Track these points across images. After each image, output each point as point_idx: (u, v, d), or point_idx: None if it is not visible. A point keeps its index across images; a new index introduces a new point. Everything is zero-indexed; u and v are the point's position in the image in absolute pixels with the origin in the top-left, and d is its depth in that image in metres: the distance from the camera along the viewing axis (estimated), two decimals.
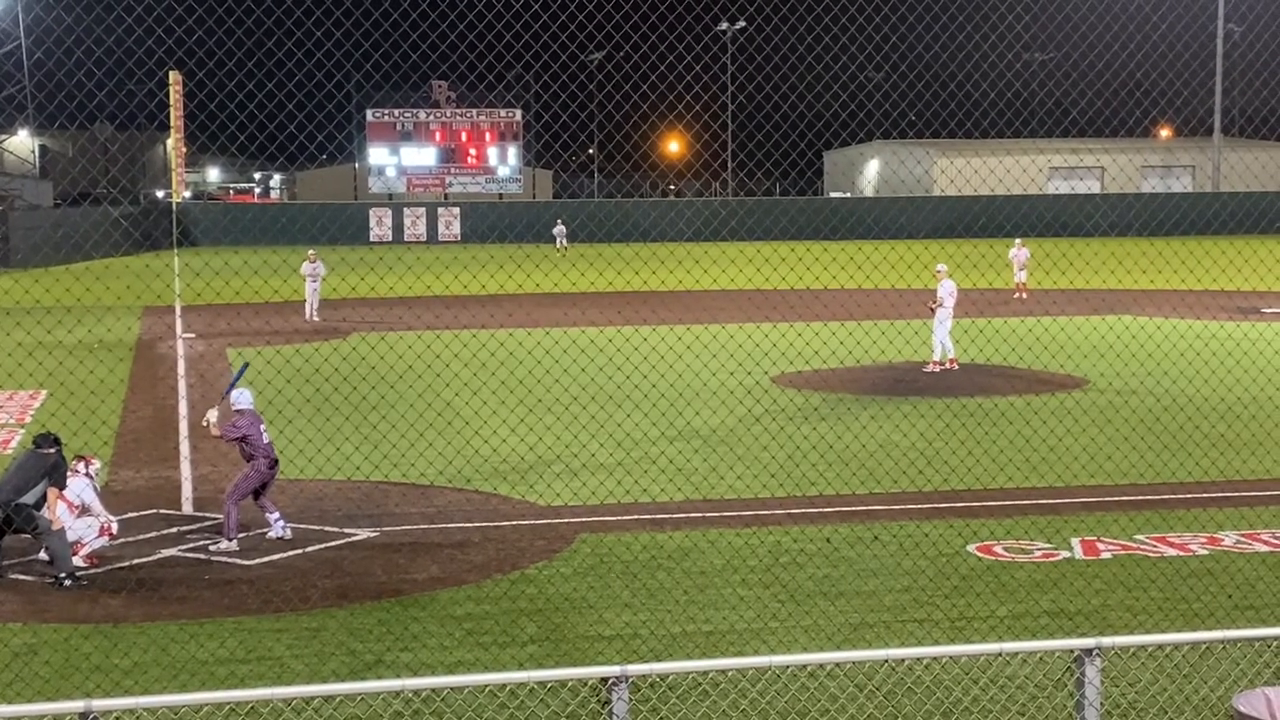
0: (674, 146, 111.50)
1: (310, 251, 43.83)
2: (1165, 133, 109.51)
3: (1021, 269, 48.52)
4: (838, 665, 11.44)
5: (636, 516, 17.84)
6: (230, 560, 16.00)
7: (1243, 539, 16.51)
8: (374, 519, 17.82)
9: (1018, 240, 50.30)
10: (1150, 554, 15.90)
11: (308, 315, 42.82)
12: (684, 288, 54.05)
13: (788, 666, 10.21)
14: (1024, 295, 47.36)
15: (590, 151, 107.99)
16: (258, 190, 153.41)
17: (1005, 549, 16.13)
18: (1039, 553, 15.98)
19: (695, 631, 13.32)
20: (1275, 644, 9.88)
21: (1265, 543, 16.36)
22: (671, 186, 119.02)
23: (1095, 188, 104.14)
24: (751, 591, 14.52)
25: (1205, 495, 18.79)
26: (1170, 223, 79.63)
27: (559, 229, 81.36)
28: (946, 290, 30.57)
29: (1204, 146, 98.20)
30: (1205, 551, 16.01)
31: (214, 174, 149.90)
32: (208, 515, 17.91)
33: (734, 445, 22.50)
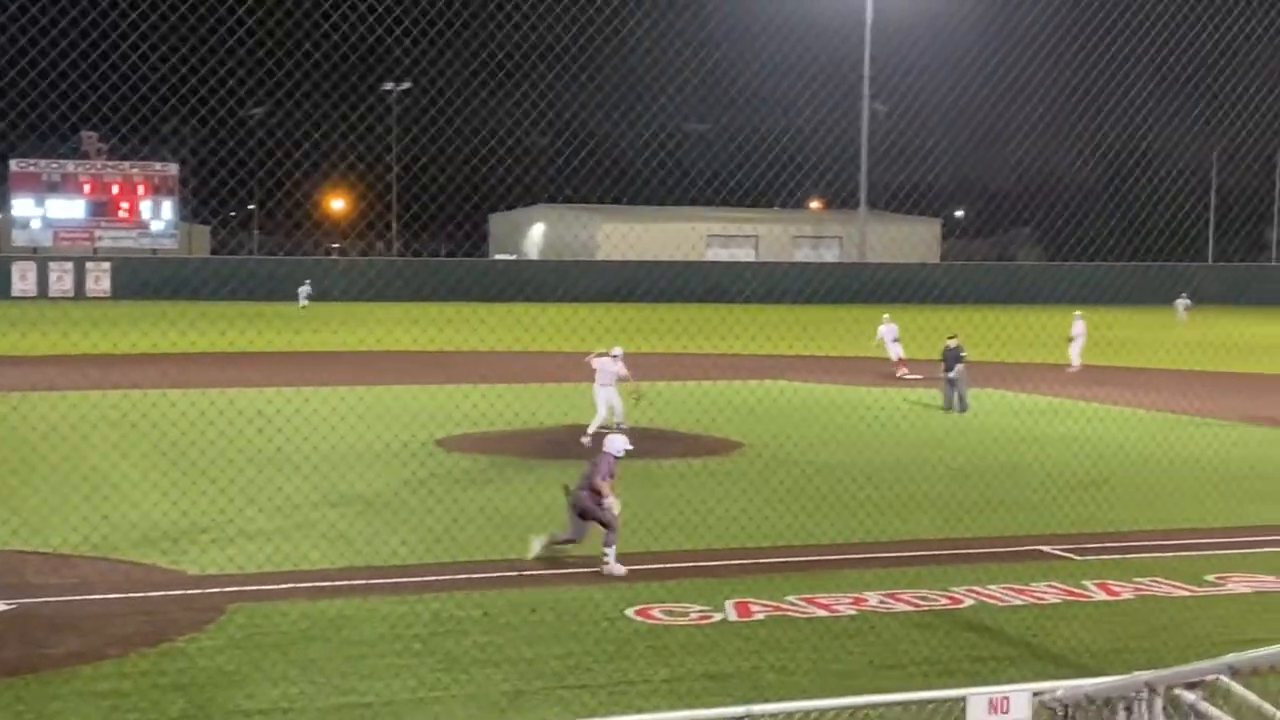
0: (338, 204, 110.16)
1: None
2: (816, 204, 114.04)
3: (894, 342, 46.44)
4: None
5: (293, 585, 17.40)
6: None
7: (886, 599, 17.16)
8: (8, 590, 16.86)
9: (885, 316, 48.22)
10: (800, 615, 16.36)
11: None
12: (347, 348, 53.32)
13: None
14: (906, 372, 45.74)
15: (250, 207, 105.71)
16: None
17: (663, 612, 16.35)
18: (695, 615, 16.26)
19: (352, 703, 13.03)
20: (914, 706, 10.29)
21: (907, 602, 17.03)
22: (335, 245, 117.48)
23: (750, 255, 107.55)
24: (411, 660, 14.31)
25: (852, 556, 19.49)
26: (821, 291, 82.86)
27: (304, 289, 79.83)
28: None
29: (851, 218, 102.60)
30: (852, 612, 16.57)
31: None
32: None
33: (396, 510, 22.22)
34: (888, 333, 46.30)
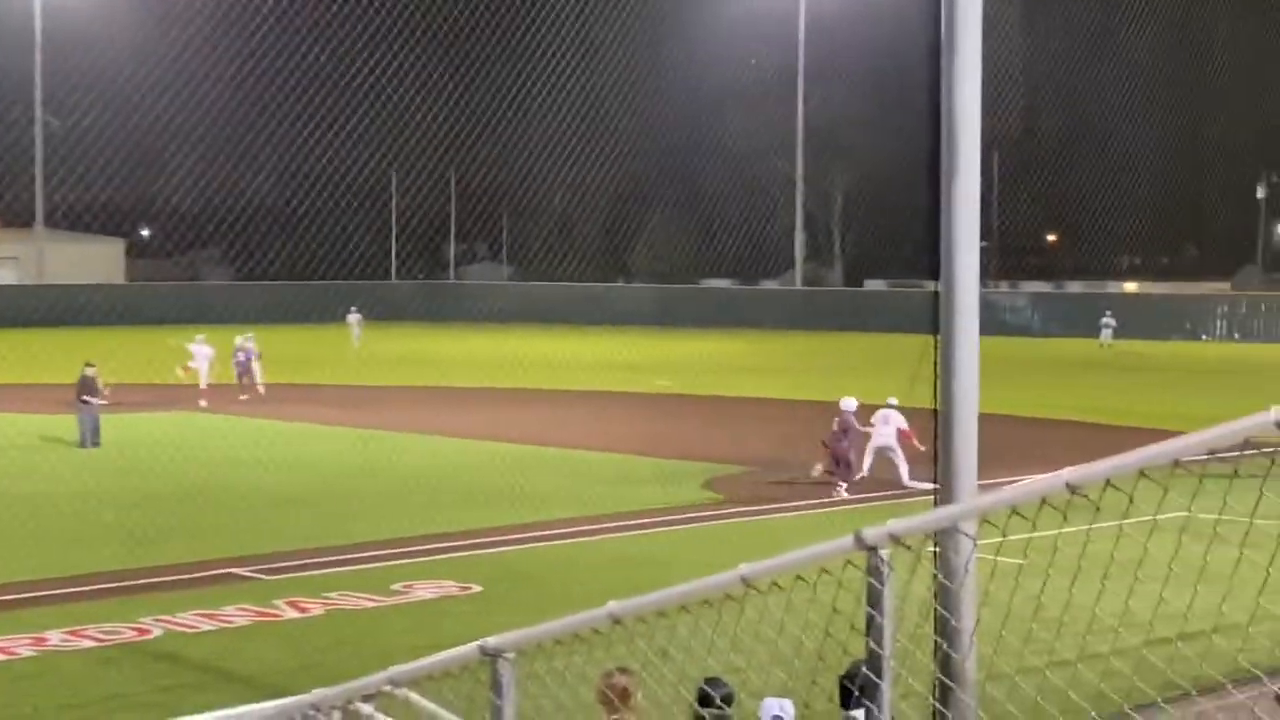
0: None
1: None
2: None
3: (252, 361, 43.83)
4: None
5: None
6: None
7: (69, 636, 16.28)
8: None
9: (250, 334, 45.24)
10: None
11: None
12: None
13: None
14: (254, 395, 42.67)
15: None
16: None
17: None
18: None
19: None
20: None
21: (91, 638, 16.24)
22: None
23: None
24: None
25: (30, 594, 18.39)
26: None
27: None
28: None
29: (27, 237, 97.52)
30: (32, 653, 15.60)
31: None
32: None
33: None
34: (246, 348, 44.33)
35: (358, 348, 66.09)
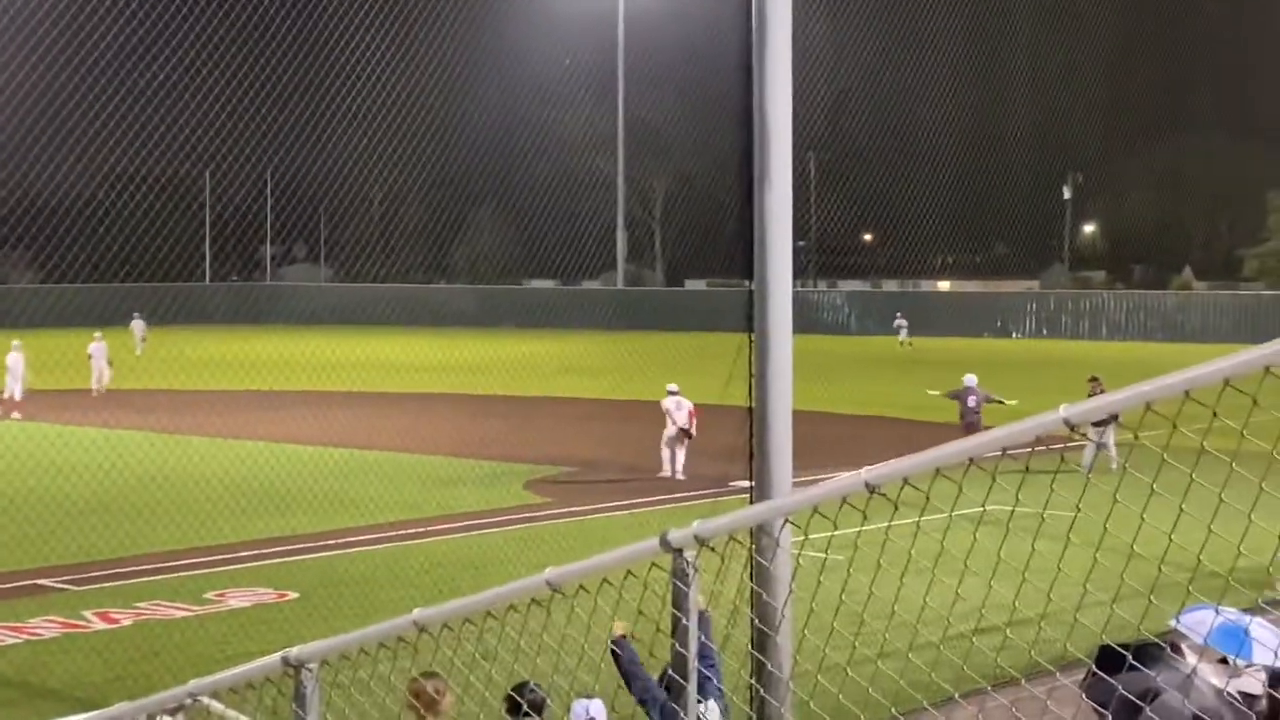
0: None
1: None
2: None
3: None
4: None
5: None
6: None
7: None
8: None
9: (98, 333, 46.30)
10: None
11: None
12: None
13: None
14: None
15: None
16: None
17: None
18: None
19: None
20: None
21: None
22: None
23: None
24: None
25: None
26: None
27: None
28: None
29: None
30: None
31: None
32: None
33: None
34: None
35: (139, 354, 63.34)
